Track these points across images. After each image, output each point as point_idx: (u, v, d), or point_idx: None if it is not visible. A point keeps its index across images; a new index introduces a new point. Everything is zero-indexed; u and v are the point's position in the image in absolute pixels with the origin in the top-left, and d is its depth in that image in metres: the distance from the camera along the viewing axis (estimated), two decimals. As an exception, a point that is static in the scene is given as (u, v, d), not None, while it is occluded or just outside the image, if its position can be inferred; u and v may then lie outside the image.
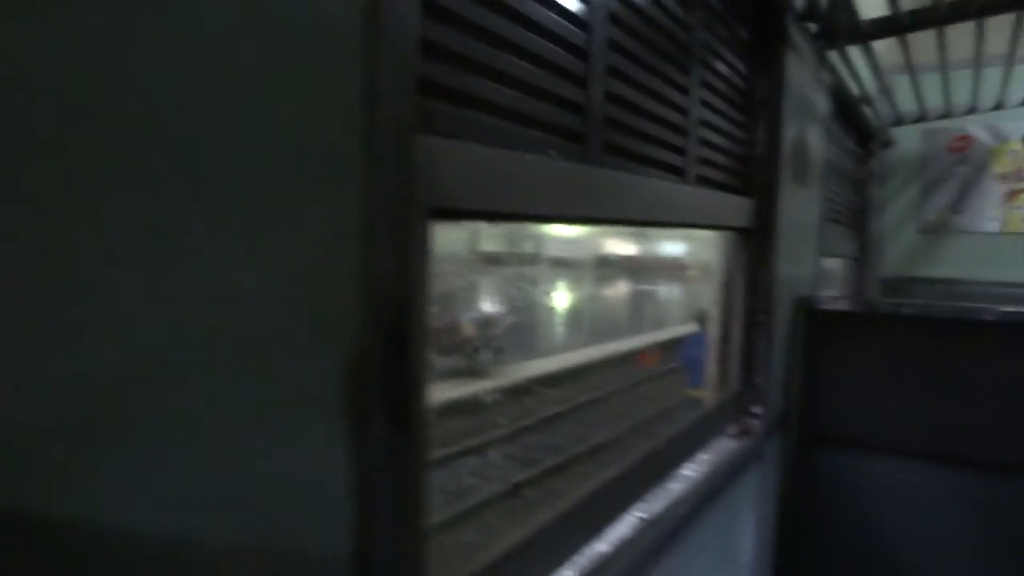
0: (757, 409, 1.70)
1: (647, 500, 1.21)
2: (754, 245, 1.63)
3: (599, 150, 0.96)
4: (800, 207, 1.92)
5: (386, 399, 0.53)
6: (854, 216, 3.30)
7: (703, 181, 1.35)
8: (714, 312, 1.68)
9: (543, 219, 0.84)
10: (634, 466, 1.15)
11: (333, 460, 0.50)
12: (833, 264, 3.36)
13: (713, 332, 1.69)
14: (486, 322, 8.83)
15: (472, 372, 8.13)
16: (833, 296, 2.56)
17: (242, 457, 0.45)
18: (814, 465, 1.93)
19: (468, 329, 8.51)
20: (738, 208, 1.54)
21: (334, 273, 0.50)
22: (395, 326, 0.54)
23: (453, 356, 8.15)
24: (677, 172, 1.23)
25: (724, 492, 1.45)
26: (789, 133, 1.72)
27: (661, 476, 1.29)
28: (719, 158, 1.43)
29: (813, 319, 1.94)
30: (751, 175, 1.60)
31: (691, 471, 1.40)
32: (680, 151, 1.24)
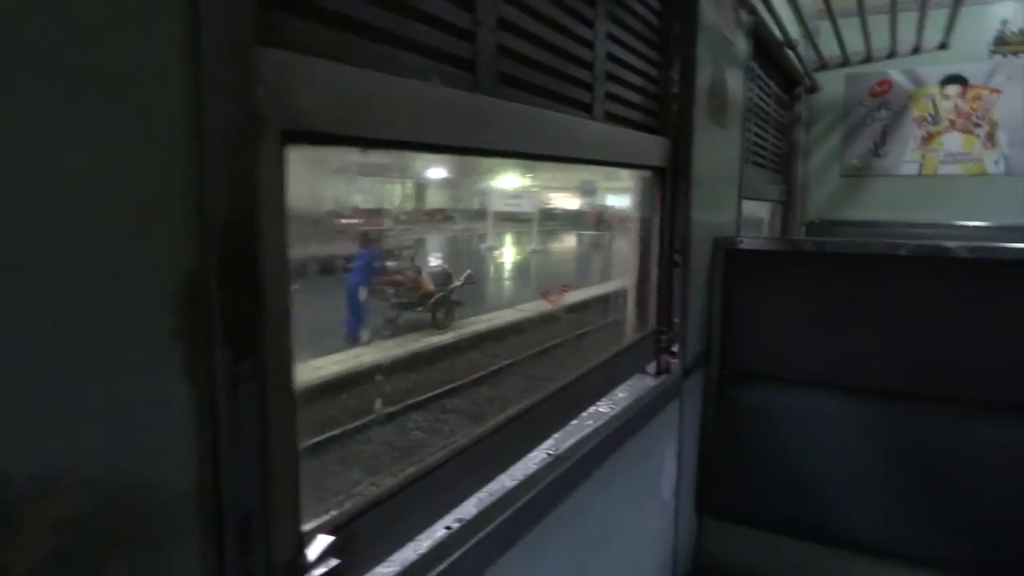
0: (675, 348, 1.73)
1: (557, 437, 1.22)
2: (670, 185, 1.63)
3: (493, 80, 0.93)
4: (718, 148, 1.94)
5: (228, 326, 0.50)
6: (780, 160, 3.37)
7: (613, 118, 1.33)
8: (632, 254, 1.69)
9: (427, 148, 0.81)
10: (543, 402, 1.16)
11: (170, 387, 0.47)
12: (759, 210, 3.44)
13: (631, 275, 1.71)
14: (445, 277, 9.24)
15: (433, 325, 8.61)
16: (751, 236, 2.62)
17: (57, 381, 0.41)
18: (734, 400, 1.99)
19: (428, 284, 8.91)
20: (652, 147, 1.54)
21: (160, 187, 0.46)
22: (234, 251, 0.51)
23: (414, 310, 8.63)
24: (583, 108, 1.21)
25: (642, 429, 1.48)
26: (705, 72, 1.71)
27: (573, 413, 1.31)
28: (631, 95, 1.42)
29: (732, 259, 1.98)
30: (666, 114, 1.60)
31: (606, 408, 1.42)
32: (586, 86, 1.22)
